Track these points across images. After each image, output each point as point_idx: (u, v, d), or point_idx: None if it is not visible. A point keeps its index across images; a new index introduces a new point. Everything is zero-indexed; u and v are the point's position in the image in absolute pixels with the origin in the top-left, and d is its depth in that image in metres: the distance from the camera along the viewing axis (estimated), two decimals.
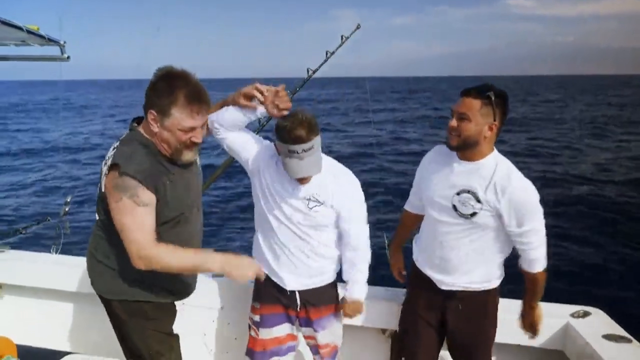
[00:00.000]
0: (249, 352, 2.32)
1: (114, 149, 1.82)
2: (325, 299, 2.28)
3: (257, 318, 2.28)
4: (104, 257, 1.95)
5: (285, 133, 1.91)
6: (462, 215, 2.02)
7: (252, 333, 2.30)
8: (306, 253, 2.16)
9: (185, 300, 2.67)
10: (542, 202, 1.99)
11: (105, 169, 1.79)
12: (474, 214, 2.00)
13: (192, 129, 1.76)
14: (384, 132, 22.45)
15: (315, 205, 2.09)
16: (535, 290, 2.14)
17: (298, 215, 2.11)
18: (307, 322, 2.28)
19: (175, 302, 2.13)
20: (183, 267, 1.85)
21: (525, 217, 1.96)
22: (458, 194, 2.02)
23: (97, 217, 1.93)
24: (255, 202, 2.21)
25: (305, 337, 2.36)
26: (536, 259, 2.05)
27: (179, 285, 2.06)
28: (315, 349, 2.35)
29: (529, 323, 2.20)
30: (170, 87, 1.71)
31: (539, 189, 1.98)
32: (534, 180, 2.01)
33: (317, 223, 2.13)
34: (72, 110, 39.24)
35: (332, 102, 45.01)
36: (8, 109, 41.02)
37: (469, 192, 2.00)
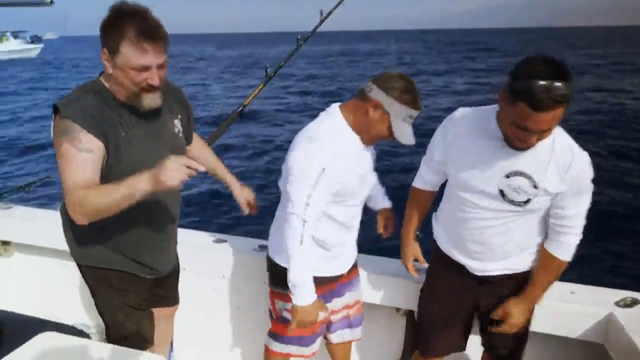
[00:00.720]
0: (298, 339, 2.05)
1: None
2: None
3: None
4: (66, 218, 1.79)
5: (412, 97, 1.78)
6: (512, 203, 1.69)
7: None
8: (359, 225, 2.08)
9: (187, 267, 2.52)
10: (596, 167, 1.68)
11: None
12: (527, 201, 1.67)
13: (145, 68, 1.59)
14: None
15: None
16: (552, 280, 1.84)
17: (371, 184, 2.06)
18: (346, 286, 2.14)
19: (153, 276, 1.96)
20: (114, 199, 1.54)
21: (581, 196, 1.69)
22: (508, 176, 1.67)
23: None
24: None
25: (337, 311, 2.15)
26: (572, 245, 1.77)
27: (146, 254, 1.89)
28: (345, 321, 2.18)
29: (517, 319, 1.85)
30: (120, 21, 1.56)
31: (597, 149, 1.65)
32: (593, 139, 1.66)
33: None
34: None
35: (374, 57, 43.87)
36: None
37: (522, 174, 1.65)
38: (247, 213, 2.27)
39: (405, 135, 1.81)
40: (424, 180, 2.02)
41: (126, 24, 1.55)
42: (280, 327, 2.08)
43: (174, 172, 1.45)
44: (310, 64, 36.49)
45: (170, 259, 2.02)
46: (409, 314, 2.38)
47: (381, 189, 2.24)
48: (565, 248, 1.78)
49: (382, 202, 2.24)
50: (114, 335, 1.93)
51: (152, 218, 1.82)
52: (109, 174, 1.65)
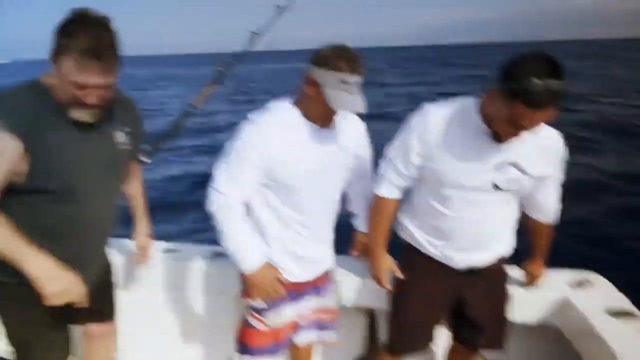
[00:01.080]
0: (250, 349, 1.89)
1: None
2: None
3: (259, 303, 1.85)
4: None
5: (339, 60, 1.60)
6: (505, 191, 1.74)
7: (257, 324, 1.87)
8: (333, 218, 1.91)
9: (134, 281, 2.40)
10: None
11: None
12: (519, 188, 1.76)
13: (82, 86, 1.46)
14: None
15: (350, 148, 1.86)
16: (548, 243, 2.02)
17: (341, 171, 1.86)
18: (317, 290, 1.98)
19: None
20: None
21: (561, 165, 1.81)
22: (499, 169, 1.70)
23: None
24: (283, 196, 1.77)
25: (304, 315, 1.99)
26: (557, 208, 1.94)
27: None
28: (316, 323, 2.03)
29: (542, 275, 2.10)
30: (73, 29, 1.42)
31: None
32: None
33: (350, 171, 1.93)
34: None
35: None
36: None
37: (513, 165, 1.70)
38: (137, 260, 2.21)
39: (343, 102, 1.62)
40: (395, 186, 1.88)
41: (78, 34, 1.41)
42: (245, 334, 1.93)
43: (62, 290, 1.45)
44: (269, 80, 36.72)
45: (90, 274, 1.78)
46: (370, 312, 2.32)
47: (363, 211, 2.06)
48: (553, 213, 1.94)
49: (358, 224, 2.13)
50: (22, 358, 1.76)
51: (71, 230, 1.66)
52: (33, 172, 1.53)
